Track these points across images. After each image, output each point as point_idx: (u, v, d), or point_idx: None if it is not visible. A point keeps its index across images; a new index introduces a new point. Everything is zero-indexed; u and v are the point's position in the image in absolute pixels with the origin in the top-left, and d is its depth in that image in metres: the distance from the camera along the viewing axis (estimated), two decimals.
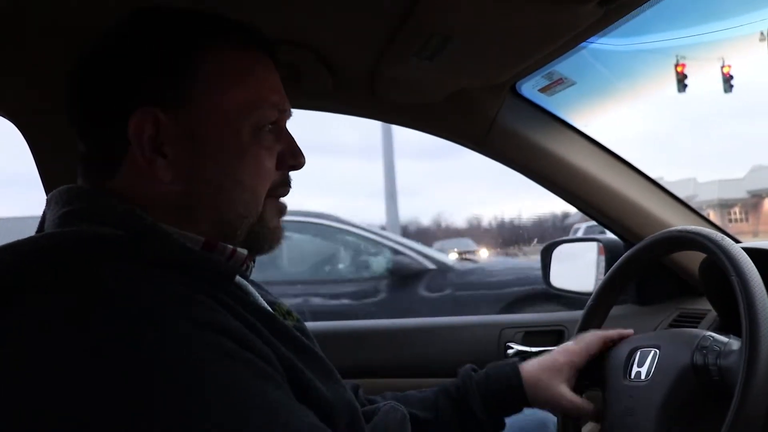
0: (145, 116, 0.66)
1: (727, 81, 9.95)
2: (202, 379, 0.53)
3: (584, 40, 1.03)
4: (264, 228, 0.73)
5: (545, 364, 0.97)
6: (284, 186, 0.76)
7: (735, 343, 0.85)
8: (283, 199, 0.77)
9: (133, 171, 0.68)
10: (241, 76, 0.70)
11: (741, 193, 21.48)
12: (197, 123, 0.68)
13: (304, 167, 0.77)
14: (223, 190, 0.69)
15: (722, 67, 10.05)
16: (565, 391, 0.95)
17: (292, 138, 0.76)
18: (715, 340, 0.87)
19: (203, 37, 0.69)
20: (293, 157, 0.75)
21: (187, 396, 0.52)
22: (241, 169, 0.69)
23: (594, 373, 1.00)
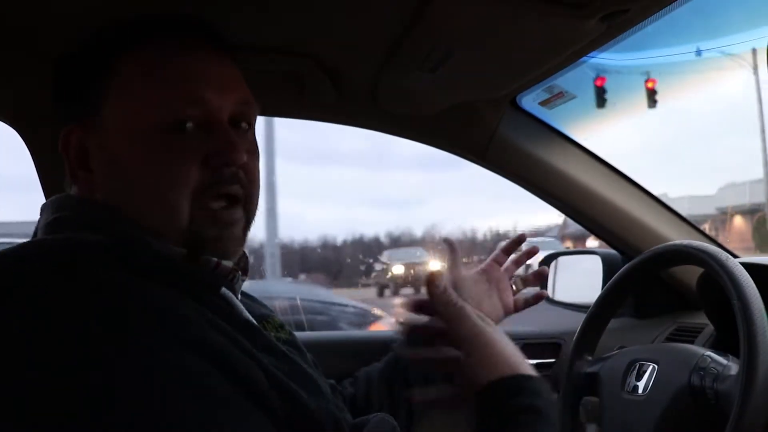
0: (68, 133, 0.70)
1: (651, 96, 9.39)
2: (178, 390, 0.53)
3: (585, 55, 1.04)
4: (199, 238, 0.67)
5: None
6: (216, 186, 0.68)
7: (733, 367, 0.85)
8: (223, 208, 0.69)
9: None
10: (151, 75, 0.67)
11: (711, 210, 21.53)
12: (106, 134, 0.69)
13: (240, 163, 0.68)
14: (136, 201, 0.67)
15: (646, 81, 9.41)
16: None
17: (228, 133, 0.68)
18: (713, 360, 0.87)
19: (120, 45, 0.69)
20: (225, 153, 0.67)
21: (180, 404, 0.52)
22: (147, 176, 0.66)
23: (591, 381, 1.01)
